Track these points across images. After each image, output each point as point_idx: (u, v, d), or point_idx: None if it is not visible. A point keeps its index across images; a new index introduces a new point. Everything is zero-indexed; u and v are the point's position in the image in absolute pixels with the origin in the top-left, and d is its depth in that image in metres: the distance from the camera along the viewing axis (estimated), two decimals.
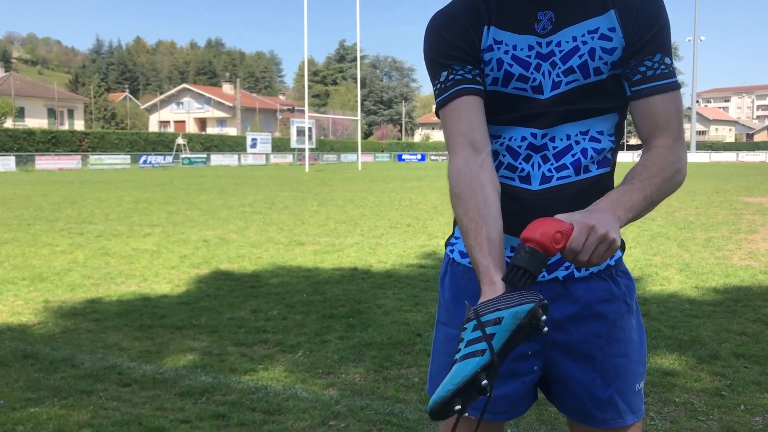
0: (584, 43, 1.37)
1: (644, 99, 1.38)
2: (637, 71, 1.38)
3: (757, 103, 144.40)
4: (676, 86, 1.39)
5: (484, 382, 1.12)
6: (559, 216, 1.23)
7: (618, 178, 1.54)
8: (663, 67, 1.38)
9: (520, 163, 1.41)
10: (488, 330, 1.15)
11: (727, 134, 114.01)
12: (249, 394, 3.68)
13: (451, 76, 1.41)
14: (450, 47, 1.42)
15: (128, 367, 4.12)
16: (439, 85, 1.43)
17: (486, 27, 1.41)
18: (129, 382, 3.87)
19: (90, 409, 3.47)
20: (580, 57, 1.37)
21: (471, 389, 1.13)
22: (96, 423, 3.29)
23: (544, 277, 1.43)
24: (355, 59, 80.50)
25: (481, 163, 1.38)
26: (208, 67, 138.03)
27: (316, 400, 3.61)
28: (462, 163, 1.37)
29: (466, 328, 1.18)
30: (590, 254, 1.20)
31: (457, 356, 1.16)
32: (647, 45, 1.37)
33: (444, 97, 1.42)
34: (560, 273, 1.42)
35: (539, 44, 1.39)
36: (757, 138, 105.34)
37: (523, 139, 1.41)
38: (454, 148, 1.40)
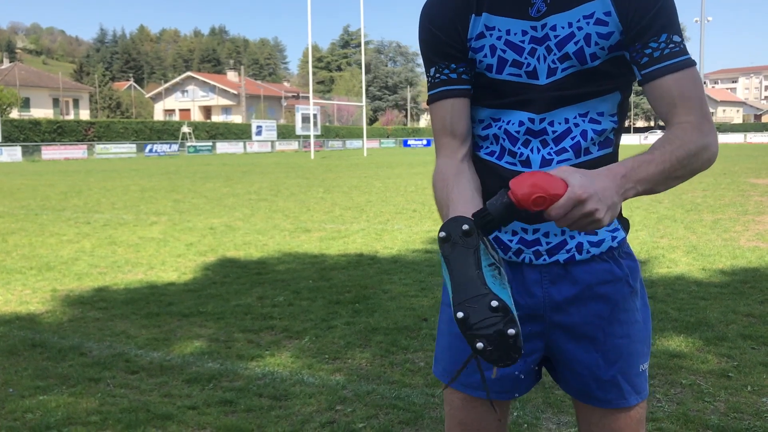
0: (579, 28, 1.34)
1: (655, 81, 1.31)
2: (643, 54, 1.32)
3: (765, 83, 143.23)
4: (690, 63, 1.32)
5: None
6: (559, 170, 1.16)
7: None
8: (672, 45, 1.31)
9: (519, 148, 1.41)
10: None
11: (735, 115, 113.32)
12: (256, 380, 3.70)
13: (437, 74, 1.45)
14: (438, 43, 1.43)
15: (135, 355, 4.14)
16: (429, 79, 1.48)
17: (474, 15, 1.39)
18: (136, 370, 3.89)
19: (98, 397, 3.49)
20: (576, 43, 1.34)
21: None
22: (104, 410, 3.32)
23: (545, 260, 1.42)
24: (359, 45, 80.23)
25: (461, 158, 1.45)
26: (212, 55, 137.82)
27: (322, 385, 3.62)
28: (443, 161, 1.45)
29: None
30: (568, 224, 1.15)
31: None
32: (650, 26, 1.31)
33: (431, 94, 1.48)
34: (561, 256, 1.42)
35: (534, 28, 1.36)
36: (765, 119, 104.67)
37: (521, 123, 1.40)
38: (438, 147, 1.49)
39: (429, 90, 1.48)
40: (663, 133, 1.34)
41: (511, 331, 1.11)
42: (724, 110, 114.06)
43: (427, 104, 1.49)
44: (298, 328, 4.65)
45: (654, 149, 1.28)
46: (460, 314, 1.13)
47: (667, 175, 1.26)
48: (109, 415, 3.26)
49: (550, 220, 1.16)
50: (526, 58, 1.37)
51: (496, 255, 1.21)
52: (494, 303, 1.11)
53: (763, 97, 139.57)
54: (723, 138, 61.27)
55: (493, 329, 1.11)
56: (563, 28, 1.35)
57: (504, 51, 1.38)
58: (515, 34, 1.37)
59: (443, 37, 1.41)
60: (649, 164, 1.24)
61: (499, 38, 1.38)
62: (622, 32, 1.34)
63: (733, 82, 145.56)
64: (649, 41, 1.32)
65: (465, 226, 1.16)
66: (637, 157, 1.26)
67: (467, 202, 1.35)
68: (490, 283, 1.14)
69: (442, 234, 1.18)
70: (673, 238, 8.05)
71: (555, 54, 1.35)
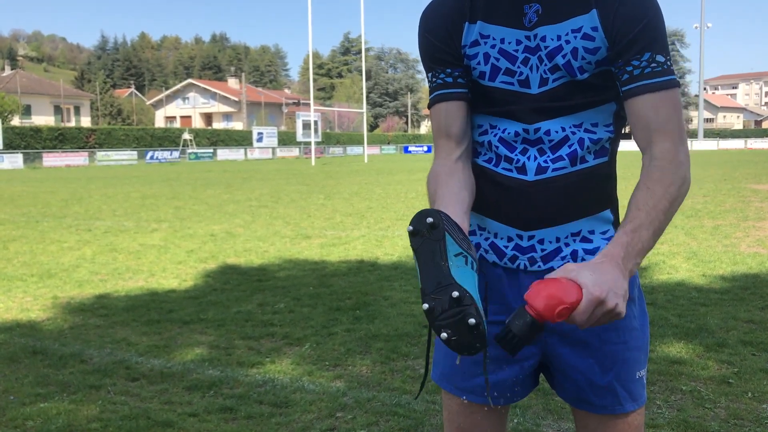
0: (567, 42, 1.35)
1: (634, 98, 1.32)
2: (624, 71, 1.32)
3: (766, 89, 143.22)
4: (672, 84, 1.31)
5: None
6: (566, 271, 1.17)
7: (621, 166, 1.52)
8: (654, 65, 1.30)
9: (516, 155, 1.42)
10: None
11: (735, 121, 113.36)
12: (256, 387, 3.70)
13: (435, 79, 1.48)
14: (434, 49, 1.45)
15: (136, 362, 4.15)
16: (429, 84, 1.51)
17: (468, 23, 1.41)
18: (137, 377, 3.90)
19: (99, 404, 3.50)
20: (564, 56, 1.35)
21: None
22: (105, 417, 3.32)
23: (540, 266, 1.43)
24: (360, 51, 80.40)
25: (456, 159, 1.47)
26: (213, 62, 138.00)
27: (323, 392, 3.62)
28: (438, 162, 1.49)
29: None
30: (592, 324, 1.18)
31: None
32: (633, 44, 1.31)
33: (430, 99, 1.51)
34: (556, 263, 1.42)
35: (527, 38, 1.38)
36: (765, 125, 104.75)
37: (517, 134, 1.41)
38: (435, 149, 1.52)
39: (429, 95, 1.52)
40: (642, 168, 1.33)
41: (471, 321, 1.14)
42: (724, 116, 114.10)
43: (428, 108, 1.53)
44: (299, 335, 4.65)
45: (638, 209, 1.28)
46: (425, 306, 1.17)
47: (658, 232, 1.28)
48: (109, 422, 3.26)
49: (573, 324, 1.18)
50: (518, 67, 1.38)
51: (465, 244, 1.24)
52: (455, 294, 1.15)
53: (763, 103, 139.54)
54: (723, 144, 61.18)
55: (455, 319, 1.15)
56: (552, 40, 1.36)
57: (497, 59, 1.39)
58: (509, 42, 1.38)
59: (438, 44, 1.44)
60: (641, 231, 1.26)
61: (493, 46, 1.39)
62: (609, 48, 1.34)
63: (733, 88, 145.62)
64: (631, 59, 1.32)
65: (429, 219, 1.20)
66: (626, 227, 1.26)
67: (453, 197, 1.38)
68: (455, 272, 1.17)
69: (410, 228, 1.22)
70: (674, 244, 8.05)
71: (546, 64, 1.37)
